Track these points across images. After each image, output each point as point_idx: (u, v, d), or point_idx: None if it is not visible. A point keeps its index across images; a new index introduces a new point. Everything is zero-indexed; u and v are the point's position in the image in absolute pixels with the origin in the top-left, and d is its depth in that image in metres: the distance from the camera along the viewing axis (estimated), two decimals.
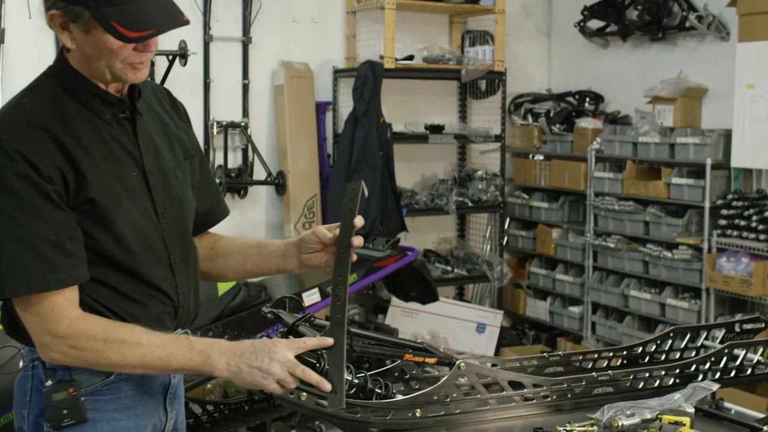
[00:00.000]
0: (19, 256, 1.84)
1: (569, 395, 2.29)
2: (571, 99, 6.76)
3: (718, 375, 2.48)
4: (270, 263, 2.24)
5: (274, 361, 1.87)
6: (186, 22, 1.92)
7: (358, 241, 2.04)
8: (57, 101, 1.94)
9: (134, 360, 1.90)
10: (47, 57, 2.01)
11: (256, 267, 2.28)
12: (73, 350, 1.89)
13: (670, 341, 2.65)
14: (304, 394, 1.96)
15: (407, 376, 2.32)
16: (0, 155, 1.84)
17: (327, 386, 1.87)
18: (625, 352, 2.61)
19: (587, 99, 6.64)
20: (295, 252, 2.19)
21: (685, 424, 2.01)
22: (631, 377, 2.37)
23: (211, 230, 2.36)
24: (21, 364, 2.08)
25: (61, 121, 1.91)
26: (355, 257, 2.04)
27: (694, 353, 2.65)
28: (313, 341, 1.92)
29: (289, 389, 1.89)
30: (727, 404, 2.35)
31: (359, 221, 2.05)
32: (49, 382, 1.97)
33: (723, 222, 5.30)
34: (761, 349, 2.53)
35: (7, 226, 1.84)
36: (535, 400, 2.26)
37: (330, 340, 1.91)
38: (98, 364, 1.93)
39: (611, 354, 2.59)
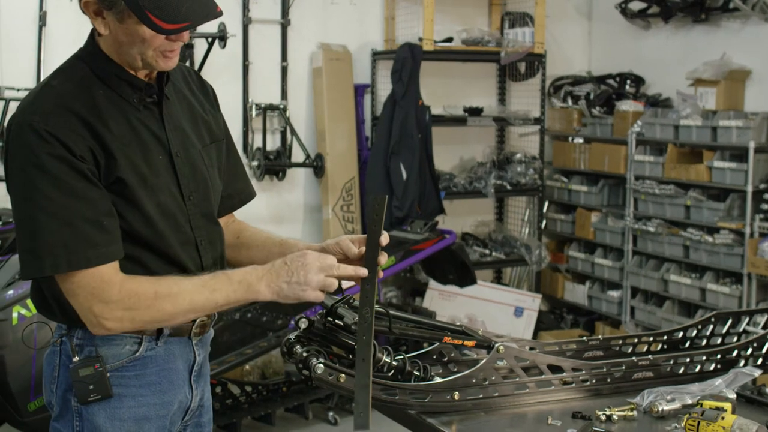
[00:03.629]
0: (59, 234, 1.87)
1: (608, 379, 2.28)
2: (611, 81, 6.70)
3: (760, 361, 2.46)
4: None
5: (309, 271, 1.96)
6: (220, 14, 1.93)
7: (383, 259, 2.06)
8: (85, 84, 1.96)
9: (185, 306, 1.96)
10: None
11: None
12: (128, 312, 1.93)
13: (711, 326, 2.63)
14: (343, 375, 1.97)
15: (445, 359, 2.32)
16: (34, 137, 1.86)
17: (363, 271, 1.99)
18: (665, 337, 2.60)
19: (628, 81, 6.57)
20: None
21: (726, 410, 1.99)
22: (671, 362, 2.36)
23: (241, 218, 2.37)
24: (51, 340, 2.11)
25: (89, 105, 1.93)
26: (381, 274, 2.06)
27: (735, 339, 2.63)
28: (347, 269, 1.99)
29: (332, 292, 2.01)
30: None
31: (385, 239, 2.06)
32: (77, 358, 2.01)
33: (766, 206, 5.24)
34: None
35: (46, 205, 1.87)
36: (574, 384, 2.25)
37: (364, 270, 1.99)
38: (153, 320, 1.97)
39: (651, 339, 2.57)
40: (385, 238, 2.05)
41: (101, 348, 2.01)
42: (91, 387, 1.99)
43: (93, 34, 2.00)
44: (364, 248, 2.07)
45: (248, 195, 2.37)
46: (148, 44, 1.91)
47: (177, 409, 2.13)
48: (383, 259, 2.05)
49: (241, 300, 2.00)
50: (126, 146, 1.95)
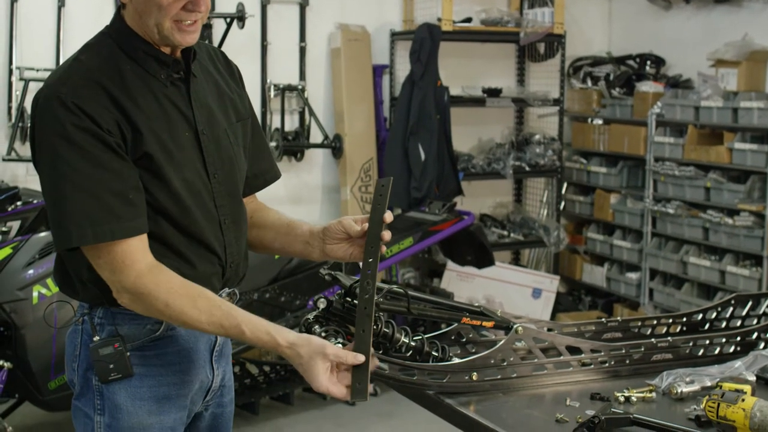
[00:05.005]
0: (85, 206, 1.87)
1: (627, 361, 2.28)
2: (631, 62, 6.65)
3: None
4: (295, 246, 2.22)
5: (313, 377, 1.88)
6: None
7: (387, 236, 2.02)
8: (113, 60, 1.97)
9: (194, 325, 1.94)
10: (106, 19, 2.04)
11: (282, 247, 2.27)
12: (140, 304, 1.93)
13: (731, 309, 2.61)
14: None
15: (464, 340, 2.32)
16: (61, 109, 1.87)
17: (360, 357, 1.86)
18: (684, 319, 2.59)
19: (648, 62, 6.53)
20: (319, 241, 2.15)
21: (746, 392, 1.98)
22: (690, 344, 2.35)
23: (263, 198, 2.36)
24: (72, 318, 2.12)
25: (116, 79, 1.94)
26: (384, 249, 2.03)
27: (755, 321, 2.62)
28: (348, 356, 1.88)
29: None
30: None
31: (389, 216, 2.03)
32: (97, 337, 2.01)
33: None
34: None
35: (73, 176, 1.87)
36: (592, 366, 2.25)
37: (361, 357, 1.87)
38: (164, 318, 1.97)
39: (670, 320, 2.56)
40: (389, 216, 2.03)
41: (122, 327, 2.02)
42: (111, 366, 2.00)
43: (119, 10, 2.01)
44: (366, 225, 2.05)
45: (273, 175, 2.35)
46: (165, 13, 1.91)
47: (198, 389, 2.13)
48: (387, 235, 2.01)
49: (261, 341, 1.92)
50: (152, 121, 1.95)
